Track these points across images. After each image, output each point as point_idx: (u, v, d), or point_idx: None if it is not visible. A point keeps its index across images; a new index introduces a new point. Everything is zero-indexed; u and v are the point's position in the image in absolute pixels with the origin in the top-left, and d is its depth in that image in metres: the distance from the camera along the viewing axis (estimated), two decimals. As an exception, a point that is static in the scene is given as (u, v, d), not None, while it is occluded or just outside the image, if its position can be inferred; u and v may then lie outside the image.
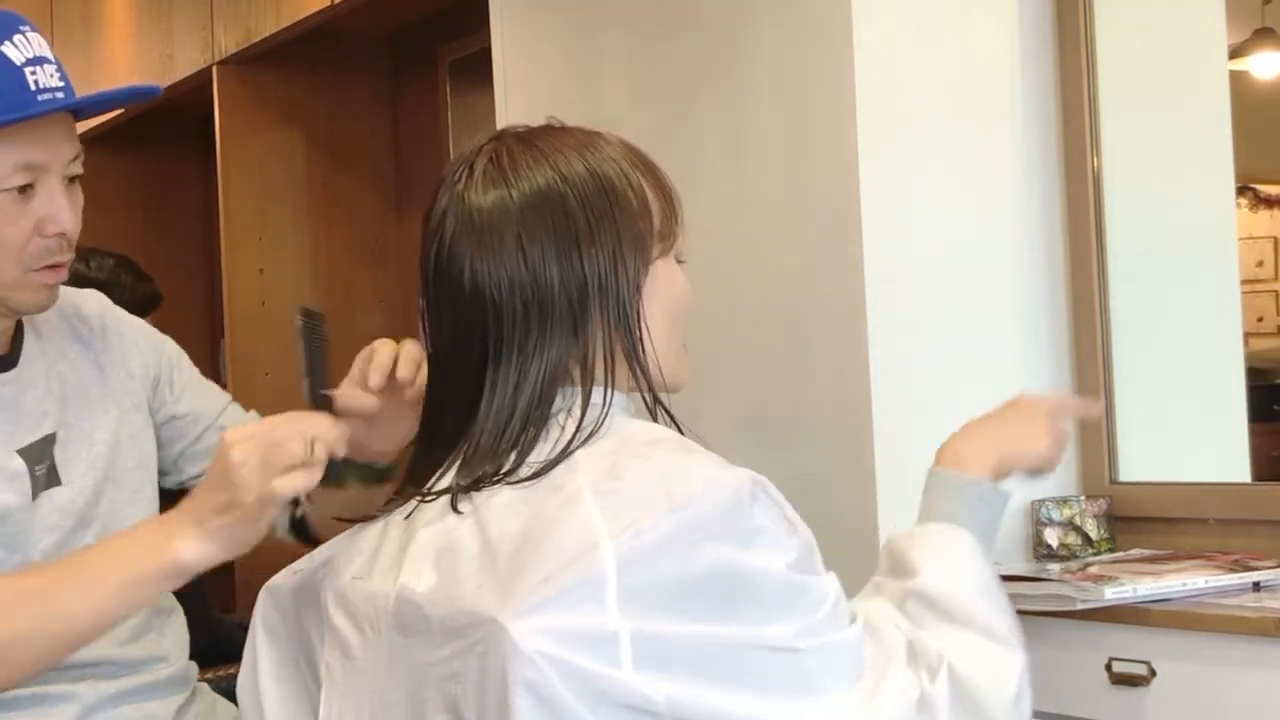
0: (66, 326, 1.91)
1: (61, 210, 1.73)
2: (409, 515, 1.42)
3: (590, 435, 1.36)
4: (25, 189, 1.71)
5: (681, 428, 1.42)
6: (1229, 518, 2.36)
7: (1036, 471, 1.63)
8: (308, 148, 4.45)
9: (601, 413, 1.38)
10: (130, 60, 4.78)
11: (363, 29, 4.33)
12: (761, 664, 1.27)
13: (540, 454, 1.36)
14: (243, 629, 1.59)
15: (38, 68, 1.70)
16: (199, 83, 4.40)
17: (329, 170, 4.47)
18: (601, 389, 1.40)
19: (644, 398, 1.42)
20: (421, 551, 1.37)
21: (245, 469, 1.43)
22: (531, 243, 1.38)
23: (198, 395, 2.03)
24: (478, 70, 3.56)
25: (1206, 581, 2.04)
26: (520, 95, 3.09)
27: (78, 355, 1.90)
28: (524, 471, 1.35)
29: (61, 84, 1.73)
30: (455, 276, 1.41)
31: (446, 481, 1.41)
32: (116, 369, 1.93)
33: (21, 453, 1.79)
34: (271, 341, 4.30)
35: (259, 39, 4.11)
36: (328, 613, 1.44)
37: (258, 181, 4.38)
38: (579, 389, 1.39)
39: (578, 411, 1.37)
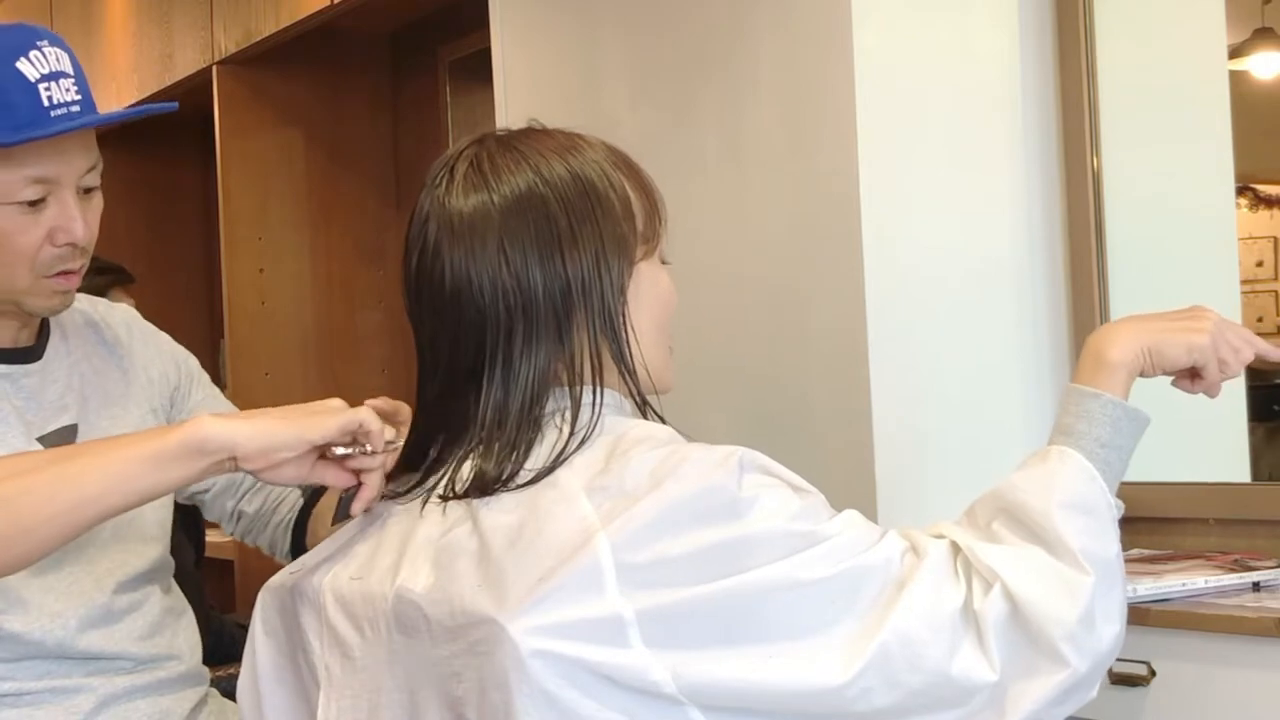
0: (93, 333, 1.96)
1: (72, 221, 1.78)
2: (409, 516, 1.42)
3: (584, 439, 1.36)
4: (37, 201, 1.76)
5: (674, 429, 1.42)
6: (1229, 518, 2.36)
7: (1194, 373, 1.48)
8: (308, 148, 4.45)
9: (593, 415, 1.38)
10: (130, 60, 4.78)
11: (363, 29, 4.34)
12: (770, 610, 1.25)
13: (537, 458, 1.36)
14: (243, 629, 1.59)
15: (53, 83, 1.74)
16: (199, 83, 4.40)
17: (329, 170, 4.47)
18: (591, 389, 1.39)
19: (633, 400, 1.42)
20: (419, 552, 1.37)
21: (336, 400, 1.46)
22: (513, 247, 1.38)
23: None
24: (478, 70, 3.56)
25: (1206, 581, 2.04)
26: (520, 95, 3.09)
27: (102, 359, 1.95)
28: (522, 477, 1.35)
29: (78, 97, 1.76)
30: (439, 281, 1.40)
31: (445, 482, 1.41)
32: (138, 374, 1.97)
33: (41, 440, 1.82)
34: (271, 341, 4.29)
35: (259, 39, 4.11)
36: (327, 613, 1.44)
37: (258, 181, 4.38)
38: (568, 391, 1.39)
39: (570, 415, 1.37)
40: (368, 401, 1.56)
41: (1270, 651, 1.87)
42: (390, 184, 4.53)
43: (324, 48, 4.31)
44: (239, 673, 1.55)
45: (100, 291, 3.45)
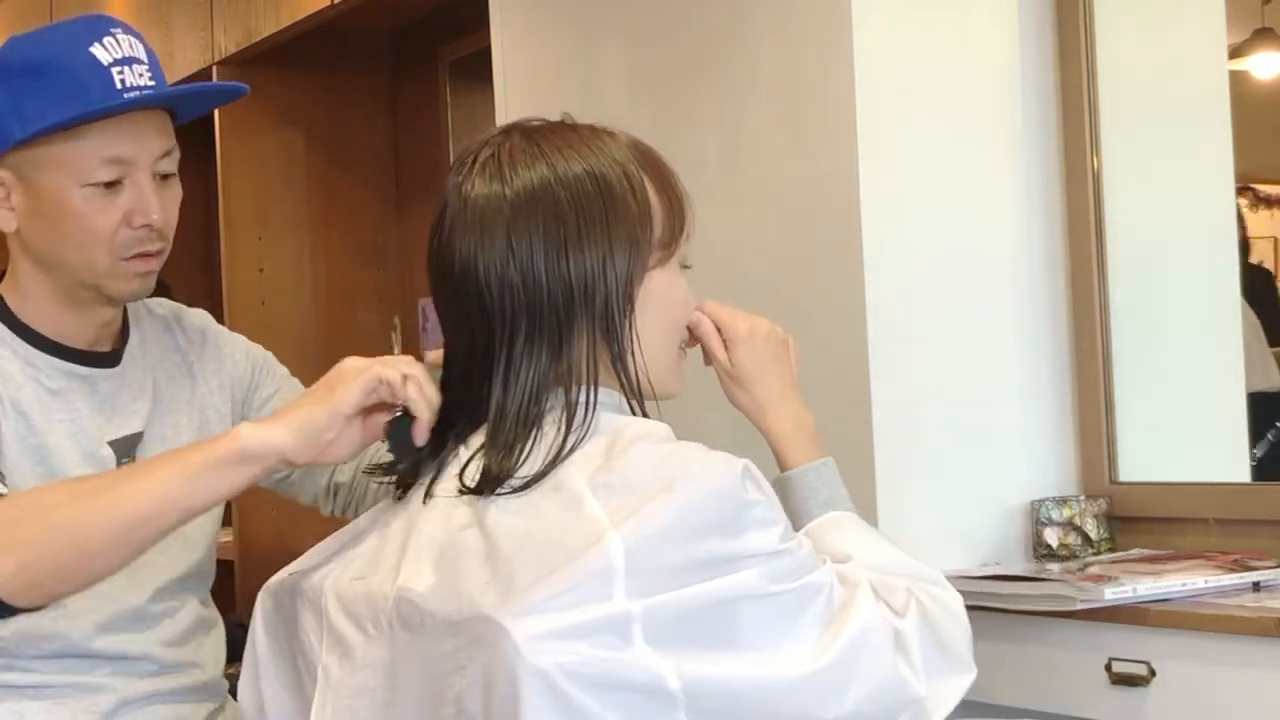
0: (169, 337, 1.99)
1: (148, 202, 1.80)
2: (412, 513, 1.42)
3: (578, 441, 1.36)
4: (113, 184, 1.78)
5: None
6: (1229, 518, 2.36)
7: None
8: (308, 148, 4.44)
9: (587, 414, 1.37)
10: (130, 60, 4.77)
11: (363, 29, 4.33)
12: (743, 617, 1.28)
13: (535, 460, 1.36)
14: (243, 629, 1.59)
15: (126, 67, 1.77)
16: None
17: (329, 170, 4.47)
18: (586, 389, 1.39)
19: (630, 405, 1.42)
20: (421, 552, 1.37)
21: (350, 361, 1.47)
22: (520, 243, 1.38)
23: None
24: (478, 70, 3.56)
25: (1206, 581, 2.04)
26: (520, 95, 3.09)
27: (174, 364, 1.97)
28: (517, 482, 1.35)
29: (152, 83, 1.79)
30: (449, 270, 1.41)
31: (450, 479, 1.41)
32: (208, 379, 1.99)
33: (112, 444, 1.85)
34: (272, 341, 4.25)
35: (259, 39, 4.11)
36: (328, 614, 1.43)
37: (258, 181, 4.38)
38: (564, 392, 1.39)
39: (565, 417, 1.37)
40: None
41: (1270, 651, 1.87)
42: (390, 184, 4.53)
43: (324, 48, 4.30)
44: (239, 673, 1.55)
45: None
